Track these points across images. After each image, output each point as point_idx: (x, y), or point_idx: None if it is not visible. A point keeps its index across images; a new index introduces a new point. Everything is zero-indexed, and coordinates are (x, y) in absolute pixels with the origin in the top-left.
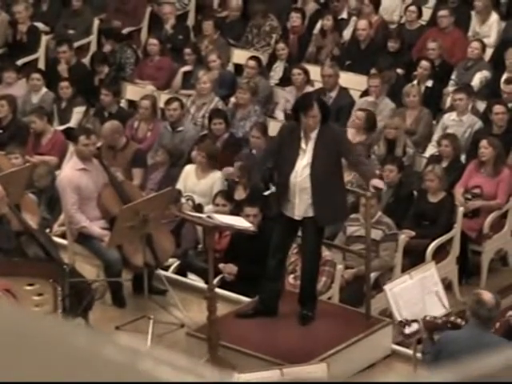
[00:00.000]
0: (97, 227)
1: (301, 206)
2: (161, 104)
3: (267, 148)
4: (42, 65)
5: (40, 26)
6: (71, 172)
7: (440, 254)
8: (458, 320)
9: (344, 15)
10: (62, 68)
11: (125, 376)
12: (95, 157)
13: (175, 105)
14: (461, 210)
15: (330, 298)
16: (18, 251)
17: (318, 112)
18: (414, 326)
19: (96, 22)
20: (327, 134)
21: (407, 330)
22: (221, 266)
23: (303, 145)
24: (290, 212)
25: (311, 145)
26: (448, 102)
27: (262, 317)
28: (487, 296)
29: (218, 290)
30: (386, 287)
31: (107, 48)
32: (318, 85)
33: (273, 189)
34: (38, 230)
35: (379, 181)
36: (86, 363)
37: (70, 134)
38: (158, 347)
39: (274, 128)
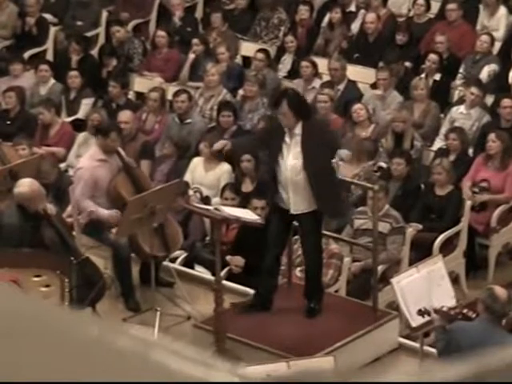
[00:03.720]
0: (104, 209)
1: (297, 201)
2: (169, 96)
3: (256, 134)
4: (50, 56)
5: (48, 17)
6: (91, 163)
7: (447, 248)
8: (470, 313)
9: (352, 8)
10: (74, 60)
11: (137, 366)
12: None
13: (183, 97)
14: (468, 203)
15: (337, 291)
16: (35, 238)
17: (288, 109)
18: (426, 317)
19: (104, 14)
20: (312, 130)
21: (414, 323)
22: (228, 258)
23: (287, 139)
24: (285, 205)
25: (295, 141)
26: (456, 95)
27: (257, 311)
28: (500, 291)
29: (225, 282)
30: (393, 280)
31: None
32: (327, 77)
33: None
34: (56, 217)
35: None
36: (97, 354)
37: (102, 129)
38: (167, 338)
39: None
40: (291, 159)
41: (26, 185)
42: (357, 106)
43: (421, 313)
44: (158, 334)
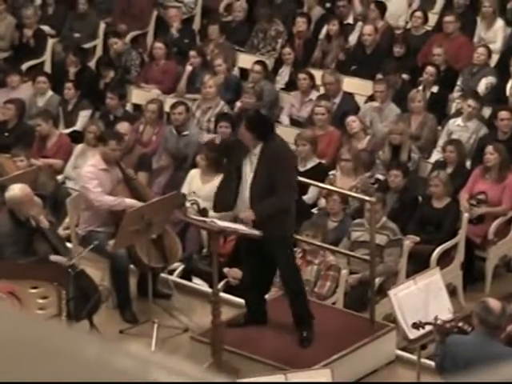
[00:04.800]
0: (126, 199)
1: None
2: (166, 108)
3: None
4: (48, 68)
5: (46, 29)
6: (94, 170)
7: (444, 260)
8: (466, 326)
9: (350, 20)
10: (72, 72)
11: None
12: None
13: (180, 109)
14: (466, 215)
15: (334, 303)
16: (29, 250)
17: (245, 131)
18: (421, 330)
19: (102, 26)
20: (269, 152)
21: (412, 335)
22: (225, 270)
23: (253, 158)
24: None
25: (255, 160)
26: (453, 107)
27: (252, 325)
28: (494, 303)
29: (222, 294)
30: (391, 292)
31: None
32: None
33: None
34: (49, 230)
35: (247, 214)
36: (96, 373)
37: (101, 137)
38: (168, 356)
39: (279, 133)
40: (250, 177)
41: (17, 188)
42: (349, 119)
43: (415, 326)
44: (156, 346)
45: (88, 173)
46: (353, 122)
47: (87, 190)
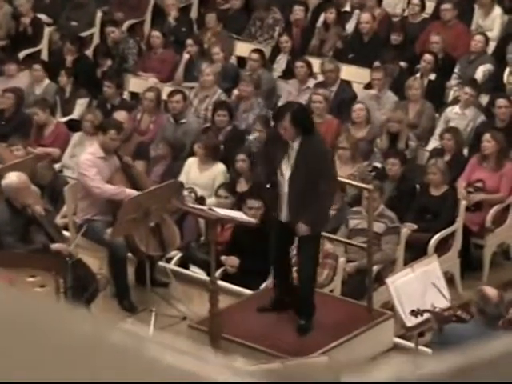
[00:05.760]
0: (126, 189)
1: (287, 212)
2: (164, 96)
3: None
4: (45, 56)
5: (43, 17)
6: (92, 157)
7: (442, 248)
8: (464, 314)
9: (347, 8)
10: (69, 60)
11: (130, 361)
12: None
13: (178, 97)
14: (463, 203)
15: (332, 291)
16: (26, 240)
17: (290, 125)
18: (419, 317)
19: (99, 14)
20: (308, 147)
21: (409, 323)
22: (223, 258)
23: (290, 150)
24: (280, 215)
25: (293, 153)
26: (451, 95)
27: (280, 310)
28: (491, 292)
29: (220, 282)
30: (388, 280)
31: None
32: (321, 78)
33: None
34: (45, 219)
35: (302, 228)
36: (90, 349)
37: (101, 126)
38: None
39: None
40: (289, 170)
41: (13, 176)
42: (357, 106)
43: (414, 313)
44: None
45: (87, 160)
46: (360, 110)
47: (86, 178)
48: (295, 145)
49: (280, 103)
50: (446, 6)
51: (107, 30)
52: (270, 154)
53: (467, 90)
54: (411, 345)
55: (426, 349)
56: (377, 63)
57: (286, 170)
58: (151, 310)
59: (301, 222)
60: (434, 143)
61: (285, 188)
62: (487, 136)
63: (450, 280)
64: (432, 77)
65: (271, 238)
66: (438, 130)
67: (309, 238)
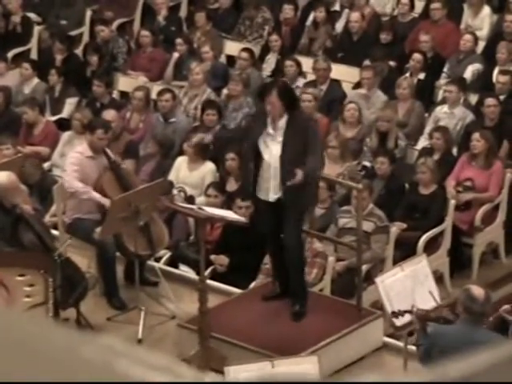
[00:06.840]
0: (95, 192)
1: (275, 186)
2: (153, 95)
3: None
4: (34, 55)
5: (32, 16)
6: (80, 156)
7: (431, 247)
8: (451, 316)
9: (337, 7)
10: (58, 59)
11: (102, 376)
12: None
13: (167, 96)
14: (452, 202)
15: (321, 290)
16: (14, 239)
17: (277, 99)
18: (407, 317)
19: (88, 13)
20: (296, 122)
21: (398, 322)
22: (212, 257)
23: (270, 130)
24: (266, 196)
25: (280, 131)
26: (440, 94)
27: (283, 297)
28: (478, 291)
29: (209, 281)
30: (378, 279)
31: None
32: (311, 77)
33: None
34: (34, 218)
35: (299, 173)
36: (63, 363)
37: (89, 125)
38: (136, 346)
39: None
40: (277, 149)
41: (3, 175)
42: (351, 106)
43: (395, 314)
44: (142, 334)
45: (72, 158)
46: (354, 110)
47: (64, 173)
48: (281, 123)
49: None
50: (436, 5)
51: (97, 29)
52: (254, 130)
53: (451, 87)
54: (400, 344)
55: (415, 348)
56: (366, 62)
57: (274, 149)
58: (140, 308)
59: (297, 169)
60: (423, 142)
61: (271, 169)
62: (476, 135)
63: (439, 279)
64: (421, 76)
65: (260, 224)
66: (427, 129)
67: (295, 213)
